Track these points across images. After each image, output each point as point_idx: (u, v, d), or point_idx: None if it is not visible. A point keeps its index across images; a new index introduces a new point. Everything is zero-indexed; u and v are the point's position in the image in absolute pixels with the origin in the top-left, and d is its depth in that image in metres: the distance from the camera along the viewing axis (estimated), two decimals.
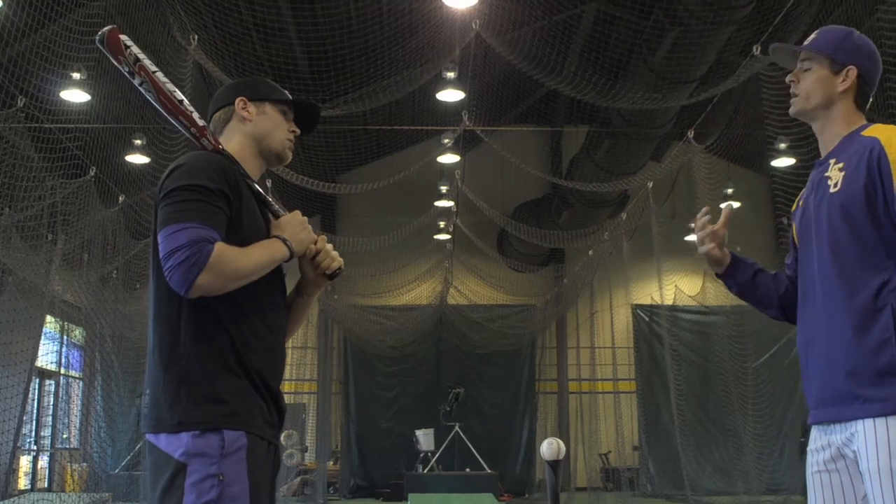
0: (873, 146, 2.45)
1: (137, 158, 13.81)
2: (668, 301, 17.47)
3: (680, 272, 17.40)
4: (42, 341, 13.77)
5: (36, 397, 16.12)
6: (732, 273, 2.87)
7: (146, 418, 2.40)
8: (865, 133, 2.54)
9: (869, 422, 2.35)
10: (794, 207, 2.81)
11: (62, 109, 11.93)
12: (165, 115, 2.59)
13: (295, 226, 2.58)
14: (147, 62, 2.53)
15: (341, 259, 2.71)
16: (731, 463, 16.67)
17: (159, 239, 2.34)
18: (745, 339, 16.05)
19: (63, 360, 16.98)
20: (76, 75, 10.97)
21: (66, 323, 16.58)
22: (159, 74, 2.56)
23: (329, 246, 2.69)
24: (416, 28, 12.30)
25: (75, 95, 11.59)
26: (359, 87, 12.92)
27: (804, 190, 2.75)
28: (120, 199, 13.33)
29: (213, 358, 2.37)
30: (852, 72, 2.61)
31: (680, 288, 17.91)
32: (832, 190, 2.52)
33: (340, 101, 12.40)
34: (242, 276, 2.38)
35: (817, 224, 2.56)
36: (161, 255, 2.32)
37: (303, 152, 15.73)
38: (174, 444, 2.31)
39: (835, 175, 2.53)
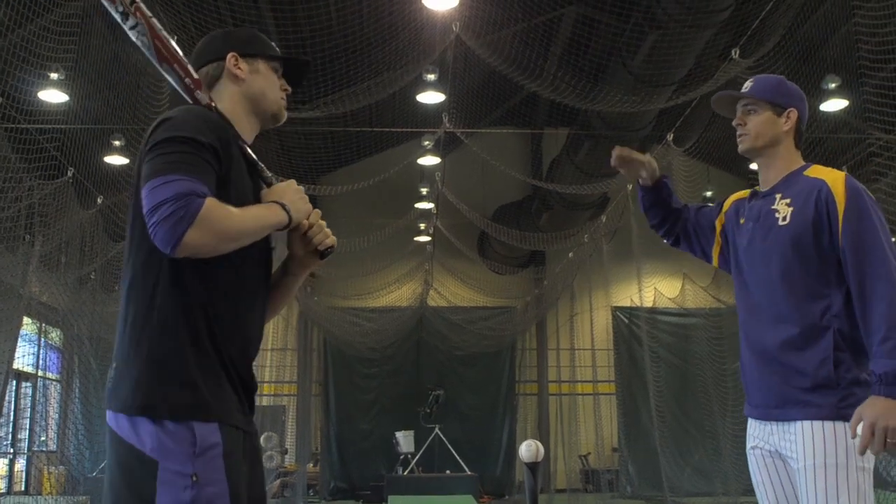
0: (821, 187, 2.79)
1: (116, 159, 13.74)
2: (648, 303, 17.53)
3: (659, 274, 17.48)
4: (19, 343, 13.65)
5: (13, 399, 15.98)
6: (656, 187, 3.31)
7: (109, 394, 2.19)
8: (808, 174, 2.90)
9: (806, 423, 2.70)
10: (726, 208, 3.23)
11: (40, 110, 11.84)
12: (158, 64, 2.39)
13: (293, 193, 2.39)
14: (143, 6, 2.35)
15: (335, 237, 2.52)
16: (709, 464, 16.74)
17: (143, 194, 2.11)
18: (724, 341, 16.13)
19: (40, 363, 16.85)
20: (54, 75, 10.90)
21: (43, 325, 16.46)
22: (155, 20, 2.37)
23: (323, 222, 2.51)
24: (397, 30, 12.29)
25: (53, 96, 11.52)
26: (339, 88, 12.90)
27: (744, 207, 3.10)
28: (98, 200, 13.24)
29: (187, 338, 2.17)
30: (793, 113, 2.98)
31: (659, 290, 17.97)
32: (781, 223, 2.85)
33: (321, 102, 12.37)
34: (234, 236, 2.17)
35: (766, 252, 2.89)
36: (144, 210, 2.09)
37: (283, 154, 15.68)
38: (137, 433, 2.10)
39: (783, 209, 2.87)
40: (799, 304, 2.77)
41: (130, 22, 2.33)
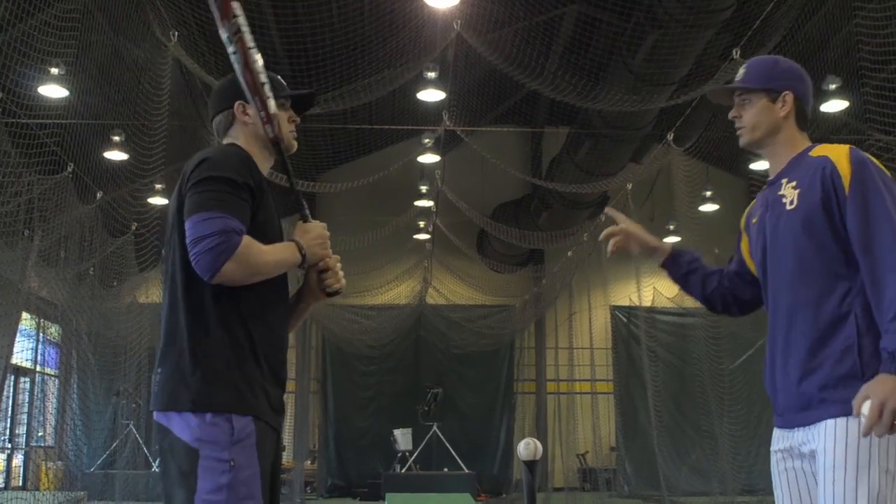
0: (825, 164, 2.63)
1: (116, 155, 13.72)
2: (647, 302, 17.54)
3: (658, 274, 17.19)
4: (17, 338, 13.65)
5: (11, 395, 15.97)
6: (669, 265, 3.15)
7: (157, 396, 2.47)
8: (814, 153, 2.73)
9: (830, 422, 2.51)
10: (742, 223, 3.00)
11: (40, 105, 11.82)
12: (245, 90, 2.66)
13: (314, 237, 2.67)
14: (247, 36, 2.60)
15: (345, 282, 2.80)
16: (707, 463, 16.74)
17: (187, 225, 2.41)
18: (722, 341, 16.13)
19: (39, 358, 16.86)
20: (55, 70, 10.88)
21: (42, 320, 16.45)
22: (253, 51, 2.63)
23: (339, 266, 2.77)
24: (398, 27, 12.29)
25: (53, 91, 11.50)
26: (339, 85, 12.89)
27: (754, 207, 2.93)
28: (98, 195, 13.24)
29: (231, 345, 2.46)
30: (789, 96, 2.79)
31: (658, 290, 17.96)
32: (789, 208, 2.69)
33: (321, 99, 12.37)
34: (263, 271, 2.48)
35: (778, 240, 2.73)
36: (189, 240, 2.39)
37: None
38: (186, 428, 2.37)
39: (789, 193, 2.71)
40: (819, 290, 2.60)
41: (231, 48, 2.63)
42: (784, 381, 2.66)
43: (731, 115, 2.88)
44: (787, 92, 2.79)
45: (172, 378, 2.43)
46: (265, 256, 2.47)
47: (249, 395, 2.45)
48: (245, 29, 2.60)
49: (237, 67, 2.62)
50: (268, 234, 2.55)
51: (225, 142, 2.76)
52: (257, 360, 2.50)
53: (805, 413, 2.59)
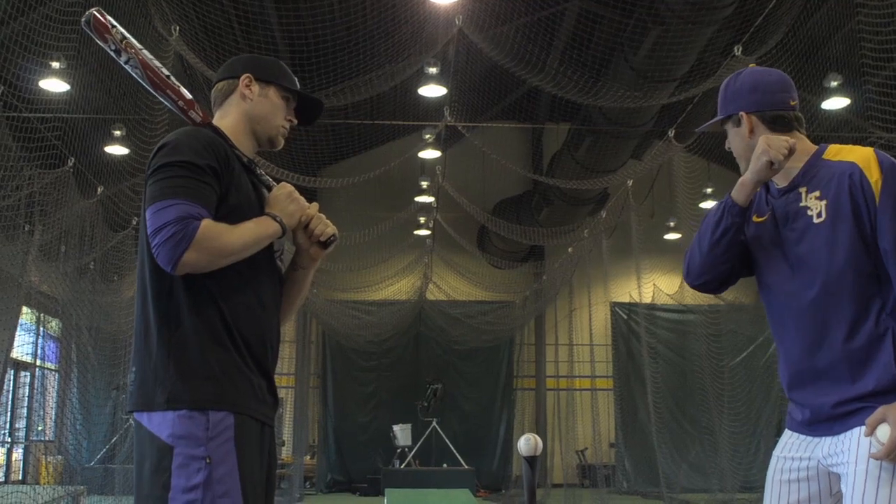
0: (852, 171, 2.47)
1: (117, 149, 13.72)
2: (647, 299, 17.54)
3: (658, 270, 17.47)
4: (18, 332, 13.65)
5: (11, 389, 15.99)
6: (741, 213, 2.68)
7: (132, 396, 2.38)
8: (830, 157, 2.56)
9: (858, 430, 2.36)
10: None
11: (41, 99, 11.82)
12: (152, 90, 2.59)
13: (283, 199, 2.56)
14: (133, 40, 2.54)
15: (335, 227, 2.67)
16: (706, 460, 16.77)
17: (146, 216, 2.34)
18: (722, 338, 16.16)
19: (39, 352, 16.86)
20: (56, 64, 10.87)
21: (42, 314, 16.45)
22: (145, 52, 2.56)
23: (321, 214, 2.66)
24: (400, 23, 12.28)
25: (54, 85, 11.49)
26: (341, 80, 12.89)
27: (756, 205, 2.72)
28: (98, 190, 13.23)
29: (204, 332, 2.35)
30: (744, 116, 2.67)
31: (658, 286, 17.98)
32: (817, 220, 2.51)
33: (322, 94, 12.36)
34: (230, 252, 2.36)
35: (807, 255, 2.53)
36: (148, 232, 2.32)
37: (283, 146, 15.62)
38: (161, 424, 2.29)
39: (814, 205, 2.53)
40: (852, 312, 2.43)
41: (124, 57, 2.53)
42: (815, 399, 2.50)
43: (726, 148, 2.81)
44: (740, 113, 2.69)
45: (146, 376, 2.35)
46: (230, 236, 2.35)
47: (228, 386, 2.34)
48: (128, 34, 2.54)
49: (137, 73, 2.55)
50: (246, 215, 2.45)
51: (217, 113, 2.69)
52: (236, 344, 2.39)
53: (836, 424, 2.44)
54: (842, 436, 2.41)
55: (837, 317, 2.46)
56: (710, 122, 2.81)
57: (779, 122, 2.65)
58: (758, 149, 2.51)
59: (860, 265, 2.44)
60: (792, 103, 2.69)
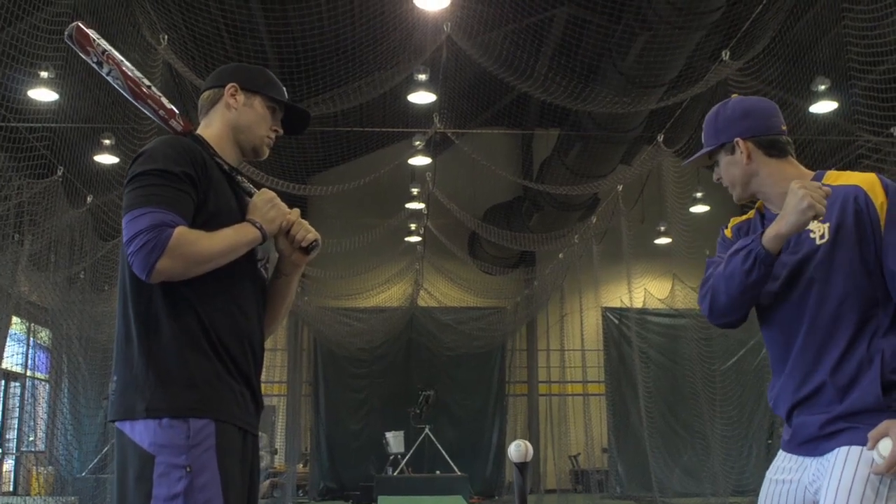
0: (856, 193, 2.47)
1: (106, 158, 13.68)
2: (638, 304, 17.58)
3: (649, 275, 17.51)
4: (8, 343, 13.60)
5: (1, 399, 15.92)
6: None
7: (113, 405, 2.37)
8: (832, 182, 2.54)
9: (843, 448, 2.38)
10: (729, 235, 2.82)
11: (29, 108, 11.80)
12: (133, 100, 2.60)
13: (263, 205, 2.55)
14: (114, 52, 2.54)
15: (316, 232, 2.65)
16: (698, 465, 16.79)
17: (123, 224, 2.33)
18: (713, 342, 16.19)
19: (29, 362, 16.79)
20: (44, 74, 10.86)
21: (32, 324, 16.39)
22: (126, 63, 2.57)
23: (303, 221, 2.64)
24: (388, 30, 12.29)
25: (43, 94, 11.47)
26: (330, 88, 12.89)
27: (750, 225, 2.75)
28: (88, 199, 13.20)
29: (184, 340, 2.34)
30: (740, 143, 2.65)
31: (649, 291, 18.01)
32: (819, 242, 2.50)
33: (311, 102, 12.36)
34: (206, 259, 2.35)
35: (808, 278, 2.52)
36: (124, 240, 2.31)
37: (273, 154, 15.58)
38: (142, 432, 2.28)
39: (816, 227, 2.51)
40: (848, 336, 2.43)
41: (105, 69, 2.54)
42: (805, 418, 2.51)
43: (714, 179, 2.79)
44: (735, 140, 2.66)
45: (127, 385, 2.34)
46: (205, 243, 2.34)
47: (210, 393, 2.33)
48: (109, 47, 2.54)
49: (118, 84, 2.56)
50: (226, 222, 2.43)
51: (202, 122, 2.69)
52: (216, 352, 2.38)
53: (822, 444, 2.45)
54: (826, 456, 2.42)
55: (836, 338, 2.46)
56: (700, 153, 2.78)
57: (775, 148, 2.66)
58: (795, 198, 2.41)
59: (861, 287, 2.44)
60: (783, 128, 2.69)
